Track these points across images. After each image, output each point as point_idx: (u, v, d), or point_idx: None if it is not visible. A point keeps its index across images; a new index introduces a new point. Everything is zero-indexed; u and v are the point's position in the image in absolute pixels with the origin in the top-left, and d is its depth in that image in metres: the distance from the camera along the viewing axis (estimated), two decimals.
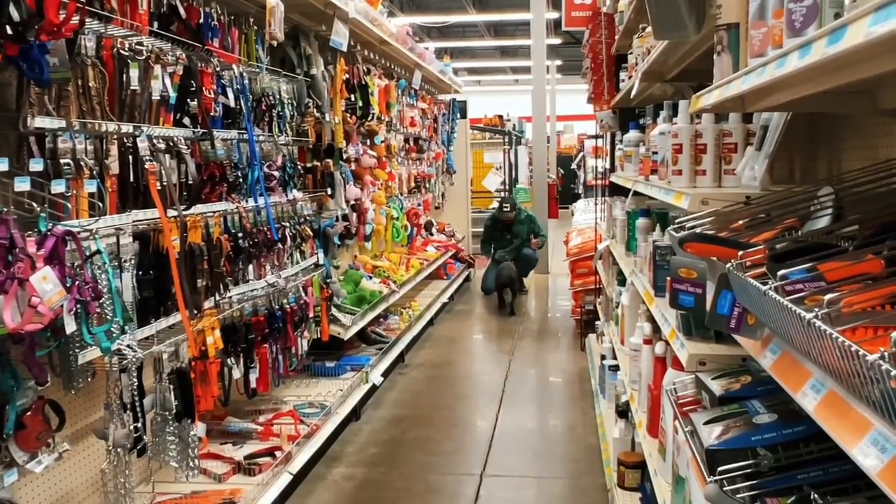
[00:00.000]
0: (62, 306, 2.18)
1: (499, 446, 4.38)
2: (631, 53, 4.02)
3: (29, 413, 2.26)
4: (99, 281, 2.43)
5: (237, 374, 3.47)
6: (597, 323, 5.86)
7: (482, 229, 8.91)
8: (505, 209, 8.44)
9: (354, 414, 4.68)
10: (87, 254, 2.39)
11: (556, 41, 16.00)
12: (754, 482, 1.32)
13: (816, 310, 1.02)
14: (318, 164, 4.63)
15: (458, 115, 10.01)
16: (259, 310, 3.73)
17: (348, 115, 4.98)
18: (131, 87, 2.69)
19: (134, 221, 2.71)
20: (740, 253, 1.37)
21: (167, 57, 2.87)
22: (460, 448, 4.39)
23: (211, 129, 3.16)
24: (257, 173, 3.61)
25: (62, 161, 2.35)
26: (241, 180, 3.46)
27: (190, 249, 3.02)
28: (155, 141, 2.80)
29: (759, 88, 1.34)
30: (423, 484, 3.91)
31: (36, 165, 2.26)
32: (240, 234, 3.47)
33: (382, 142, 6.03)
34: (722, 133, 2.29)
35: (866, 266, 1.18)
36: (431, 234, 8.78)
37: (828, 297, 1.03)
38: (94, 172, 2.49)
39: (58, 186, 2.32)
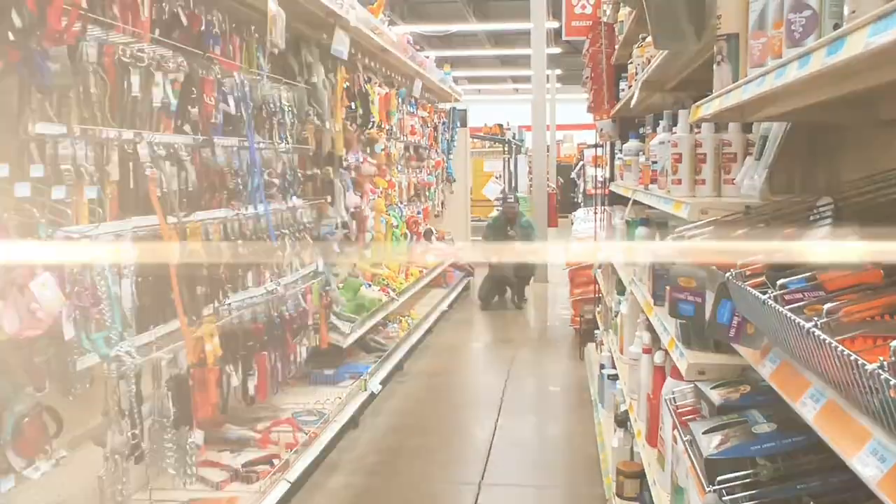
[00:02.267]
0: (61, 312, 2.18)
1: (497, 455, 4.36)
2: (631, 63, 4.03)
3: (27, 419, 2.25)
4: (98, 287, 2.42)
5: (235, 381, 3.46)
6: (596, 332, 5.86)
7: (482, 237, 9.11)
8: (510, 200, 8.97)
9: (353, 422, 4.67)
10: None
11: (556, 51, 16.03)
12: (753, 492, 1.31)
13: (816, 319, 1.02)
14: (318, 171, 4.64)
15: (458, 124, 10.04)
16: (258, 317, 3.73)
17: (349, 123, 4.99)
18: (132, 94, 2.70)
19: (134, 228, 2.71)
20: (740, 262, 1.37)
21: (168, 64, 2.88)
22: (459, 457, 4.38)
23: (211, 137, 3.16)
24: (257, 180, 3.61)
25: (63, 167, 2.35)
26: (241, 187, 3.46)
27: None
28: (155, 148, 2.81)
29: (759, 98, 1.35)
30: (421, 493, 3.90)
31: (36, 171, 2.26)
32: (239, 241, 3.47)
33: (382, 150, 6.04)
34: (721, 143, 2.29)
35: (866, 276, 1.18)
36: (431, 243, 8.78)
37: (827, 306, 1.03)
38: (95, 179, 2.49)
39: (58, 193, 2.32)
